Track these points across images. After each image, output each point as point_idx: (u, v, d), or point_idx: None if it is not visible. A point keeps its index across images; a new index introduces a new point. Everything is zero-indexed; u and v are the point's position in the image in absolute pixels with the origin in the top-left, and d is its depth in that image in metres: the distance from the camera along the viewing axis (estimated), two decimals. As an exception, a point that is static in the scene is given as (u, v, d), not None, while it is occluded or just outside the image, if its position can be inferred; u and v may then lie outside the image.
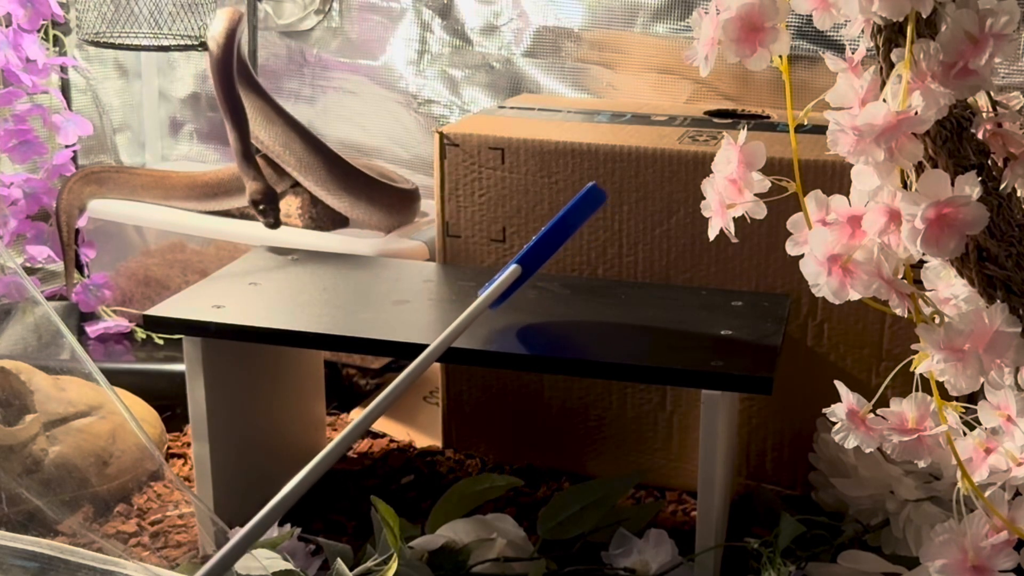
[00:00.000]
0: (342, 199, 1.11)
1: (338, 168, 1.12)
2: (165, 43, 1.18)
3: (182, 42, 1.19)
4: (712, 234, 0.69)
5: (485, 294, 0.75)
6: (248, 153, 1.05)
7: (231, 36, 1.07)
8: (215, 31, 1.07)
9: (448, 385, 1.02)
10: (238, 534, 0.54)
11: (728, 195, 0.67)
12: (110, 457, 0.91)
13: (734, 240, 0.68)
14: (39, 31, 1.17)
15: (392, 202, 1.13)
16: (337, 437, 0.61)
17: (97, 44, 1.21)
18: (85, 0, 1.18)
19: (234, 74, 1.08)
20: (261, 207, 0.98)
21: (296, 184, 1.14)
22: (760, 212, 0.67)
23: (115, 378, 0.93)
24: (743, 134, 0.67)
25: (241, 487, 0.90)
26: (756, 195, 0.67)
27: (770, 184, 0.67)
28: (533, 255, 0.78)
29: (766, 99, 1.17)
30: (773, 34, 0.63)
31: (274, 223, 0.99)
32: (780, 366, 0.81)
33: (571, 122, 1.01)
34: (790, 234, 0.67)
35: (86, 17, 1.18)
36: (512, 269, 0.77)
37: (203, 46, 1.21)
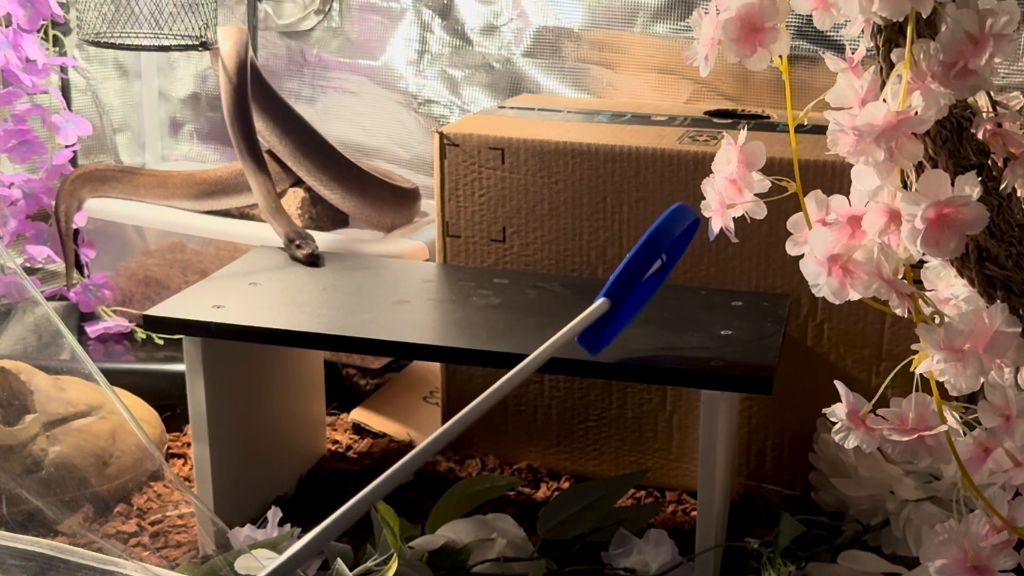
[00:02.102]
0: (334, 191, 1.11)
1: (331, 159, 1.12)
2: (166, 43, 1.18)
3: (183, 42, 1.19)
4: (712, 234, 0.69)
5: (567, 327, 0.67)
6: (278, 206, 1.01)
7: (242, 66, 1.05)
8: (224, 56, 1.06)
9: (448, 385, 1.02)
10: (315, 530, 0.53)
11: (728, 195, 0.67)
12: (110, 457, 0.91)
13: (734, 240, 0.68)
14: (39, 31, 1.17)
15: (385, 198, 1.12)
16: (405, 458, 0.58)
17: (98, 44, 1.21)
18: (85, 0, 1.18)
19: (251, 110, 1.05)
20: (296, 243, 0.95)
21: (296, 183, 1.14)
22: (760, 212, 0.67)
23: (115, 378, 0.93)
24: (743, 134, 0.67)
25: (241, 487, 0.90)
26: (756, 195, 0.67)
27: (770, 184, 0.67)
28: (620, 285, 0.69)
29: (766, 99, 1.17)
30: (773, 34, 0.63)
31: (311, 255, 0.94)
32: (780, 366, 0.81)
33: (571, 122, 1.01)
34: (790, 234, 0.67)
35: (86, 17, 1.18)
36: (599, 303, 0.68)
37: (204, 46, 1.21)
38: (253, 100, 1.09)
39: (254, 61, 1.12)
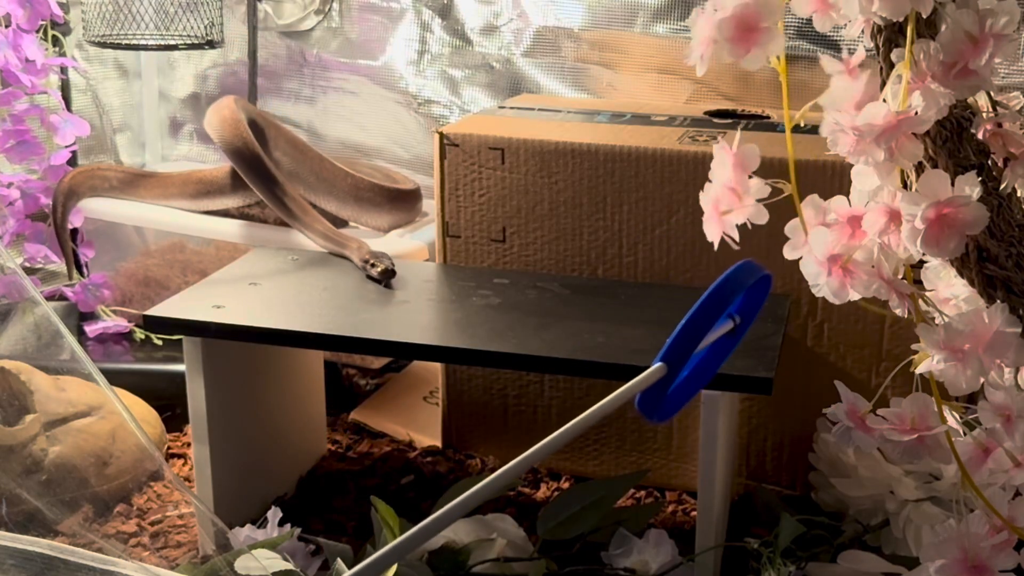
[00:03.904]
0: (329, 204, 1.12)
1: (325, 172, 1.12)
2: (171, 42, 1.18)
3: (187, 41, 1.19)
4: (713, 240, 0.68)
5: (620, 390, 0.60)
6: (339, 238, 1.00)
7: (245, 143, 1.05)
8: (221, 143, 1.06)
9: (448, 385, 1.02)
10: (408, 532, 0.51)
11: (727, 202, 0.67)
12: (110, 457, 0.91)
13: (736, 247, 0.68)
14: (38, 31, 1.17)
15: (382, 203, 1.12)
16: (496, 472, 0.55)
17: (104, 45, 1.21)
18: (89, 1, 1.18)
19: (271, 169, 1.05)
20: (371, 263, 0.93)
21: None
22: (762, 218, 0.67)
23: (115, 378, 0.93)
24: (738, 136, 0.67)
25: (241, 487, 0.90)
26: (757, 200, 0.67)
27: (769, 189, 0.67)
28: (677, 348, 0.61)
29: (766, 99, 1.17)
30: (768, 34, 0.63)
31: (386, 271, 0.92)
32: (780, 366, 0.81)
33: (571, 122, 1.01)
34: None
35: (90, 18, 1.18)
36: (655, 368, 0.61)
37: (210, 44, 1.21)
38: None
39: (249, 110, 1.12)
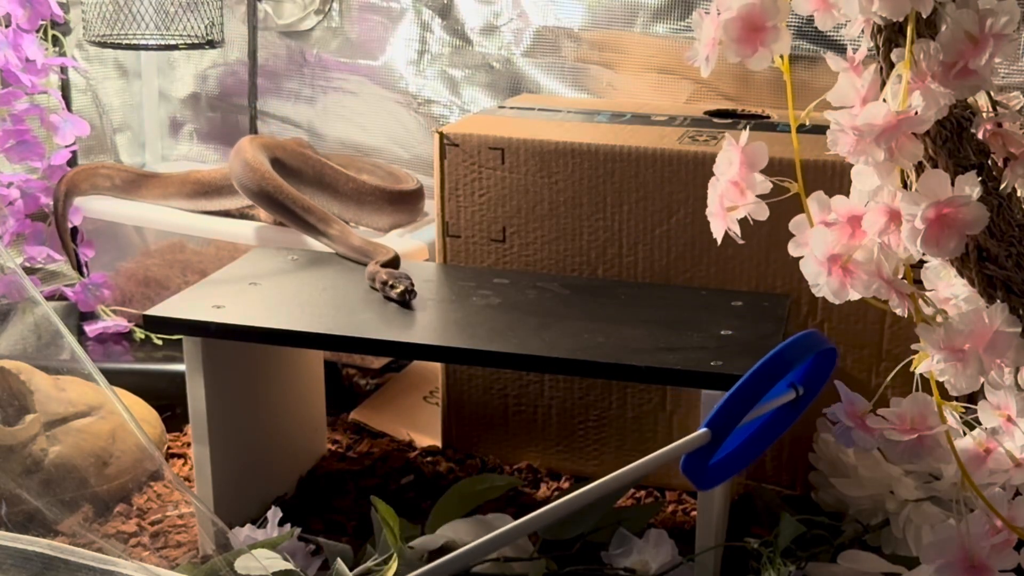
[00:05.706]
0: (332, 207, 1.12)
1: (327, 177, 1.12)
2: (171, 42, 1.18)
3: (187, 41, 1.19)
4: (717, 236, 0.68)
5: (663, 450, 0.60)
6: (365, 246, 0.98)
7: (268, 178, 1.05)
8: (243, 187, 1.06)
9: (448, 385, 1.02)
10: (469, 545, 0.49)
11: (730, 197, 0.67)
12: (110, 457, 0.91)
13: (740, 241, 0.68)
14: (38, 31, 1.17)
15: (384, 206, 1.13)
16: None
17: (104, 45, 1.21)
18: (89, 1, 1.18)
19: (298, 199, 1.05)
20: (390, 284, 0.89)
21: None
22: (763, 214, 0.67)
23: (115, 378, 0.93)
24: (745, 135, 0.67)
25: (241, 487, 0.90)
26: (757, 196, 0.67)
27: (771, 185, 0.67)
28: (724, 415, 0.58)
29: (766, 99, 1.17)
30: (774, 33, 0.63)
31: (404, 292, 0.88)
32: (780, 366, 0.81)
33: (571, 122, 1.01)
34: (790, 234, 0.67)
35: (90, 18, 1.18)
36: (699, 433, 0.59)
37: (211, 44, 1.21)
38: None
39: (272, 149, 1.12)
